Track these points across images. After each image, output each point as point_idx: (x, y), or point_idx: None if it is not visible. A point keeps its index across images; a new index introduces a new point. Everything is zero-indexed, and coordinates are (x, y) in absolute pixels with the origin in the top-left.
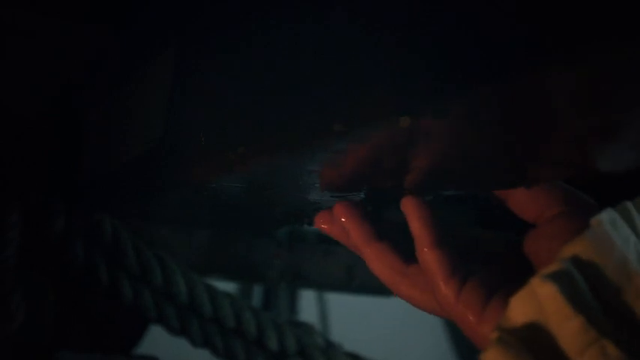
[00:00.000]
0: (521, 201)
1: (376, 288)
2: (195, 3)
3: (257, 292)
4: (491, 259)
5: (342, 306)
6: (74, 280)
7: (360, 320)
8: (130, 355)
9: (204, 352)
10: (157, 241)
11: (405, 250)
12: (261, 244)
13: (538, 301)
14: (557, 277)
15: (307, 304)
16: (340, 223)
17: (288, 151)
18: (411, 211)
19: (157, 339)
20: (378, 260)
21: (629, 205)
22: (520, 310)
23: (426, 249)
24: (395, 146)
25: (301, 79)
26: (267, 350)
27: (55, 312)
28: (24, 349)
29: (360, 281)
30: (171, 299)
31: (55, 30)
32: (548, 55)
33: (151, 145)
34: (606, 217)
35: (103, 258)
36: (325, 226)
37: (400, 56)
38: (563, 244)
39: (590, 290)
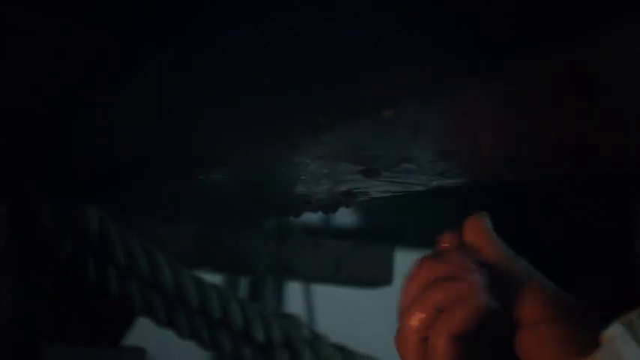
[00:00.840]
0: (508, 295)
1: (362, 280)
2: (180, 11)
3: (244, 285)
4: (493, 346)
5: (329, 298)
6: (62, 272)
7: (346, 312)
8: (118, 347)
9: (190, 344)
10: (145, 233)
11: None
12: (248, 236)
13: None
14: None
15: (294, 296)
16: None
17: (274, 144)
18: (473, 298)
19: (144, 330)
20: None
21: (634, 316)
22: None
23: (445, 335)
24: None
25: (288, 74)
26: (253, 341)
27: (45, 305)
28: (14, 342)
29: (347, 274)
30: (159, 291)
31: (55, 30)
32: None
33: (142, 140)
34: (616, 333)
35: (90, 250)
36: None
37: (387, 49)
38: (553, 352)
39: None
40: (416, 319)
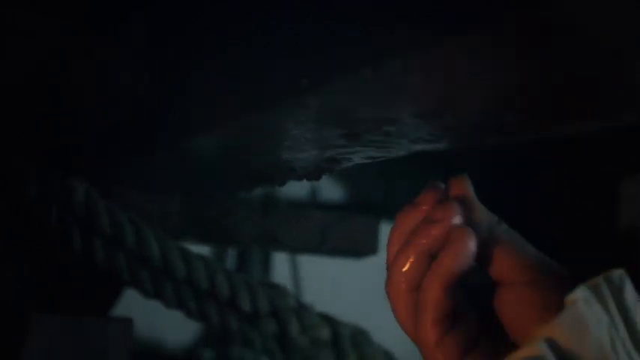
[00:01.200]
0: (488, 255)
1: (348, 251)
2: None
3: (230, 256)
4: (477, 300)
5: (315, 268)
6: (48, 243)
7: (331, 282)
8: (105, 318)
9: (177, 314)
10: (131, 205)
11: None
12: (234, 207)
13: None
14: None
15: (280, 267)
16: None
17: (259, 109)
18: (457, 241)
19: (130, 301)
20: None
21: (601, 280)
22: None
23: (435, 284)
24: None
25: (269, 37)
26: (239, 311)
27: (30, 275)
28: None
29: (333, 244)
30: (145, 262)
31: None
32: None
33: (127, 110)
34: (581, 296)
35: (76, 221)
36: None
37: (366, 10)
38: (530, 314)
39: None
40: (403, 267)
